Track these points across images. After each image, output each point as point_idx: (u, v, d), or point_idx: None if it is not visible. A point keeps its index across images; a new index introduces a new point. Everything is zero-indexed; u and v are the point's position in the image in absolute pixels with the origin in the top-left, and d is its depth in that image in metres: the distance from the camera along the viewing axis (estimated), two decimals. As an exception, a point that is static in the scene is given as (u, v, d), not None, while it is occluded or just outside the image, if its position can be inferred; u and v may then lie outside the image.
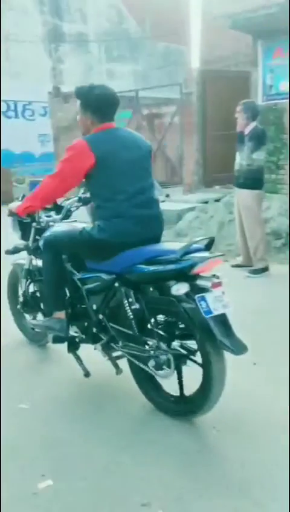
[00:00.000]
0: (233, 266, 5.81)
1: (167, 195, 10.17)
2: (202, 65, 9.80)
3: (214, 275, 2.60)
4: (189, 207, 8.21)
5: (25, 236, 3.61)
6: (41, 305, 3.59)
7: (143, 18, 20.45)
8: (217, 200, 8.16)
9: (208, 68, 9.67)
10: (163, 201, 9.54)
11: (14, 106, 18.91)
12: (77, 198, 3.47)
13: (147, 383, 2.91)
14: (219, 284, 2.54)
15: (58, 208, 3.51)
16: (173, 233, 7.42)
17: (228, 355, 2.55)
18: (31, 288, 3.71)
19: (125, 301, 2.78)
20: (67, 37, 19.77)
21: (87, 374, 3.13)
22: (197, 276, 2.56)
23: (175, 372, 2.71)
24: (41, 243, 3.18)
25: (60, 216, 3.45)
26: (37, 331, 3.70)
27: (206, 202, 8.34)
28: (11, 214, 3.45)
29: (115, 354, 3.02)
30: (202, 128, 9.89)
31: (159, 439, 2.65)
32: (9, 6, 18.17)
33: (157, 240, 2.88)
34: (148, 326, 2.77)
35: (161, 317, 2.79)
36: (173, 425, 2.75)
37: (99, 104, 2.84)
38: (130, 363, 2.92)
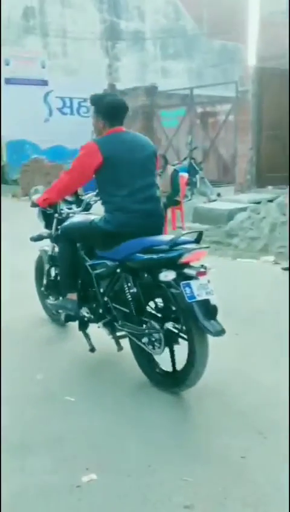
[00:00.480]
0: (283, 269, 5.69)
1: (219, 194, 10.08)
2: (258, 62, 9.63)
3: (202, 265, 2.89)
4: (240, 207, 8.10)
5: (48, 225, 3.99)
6: None
7: (200, 15, 20.31)
8: (270, 201, 8.01)
9: (265, 66, 9.49)
10: (214, 200, 9.48)
11: (70, 103, 19.27)
12: (95, 193, 3.71)
13: (144, 359, 3.22)
14: (203, 273, 2.84)
15: (79, 201, 3.91)
16: (223, 234, 7.34)
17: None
18: (53, 273, 4.09)
19: (126, 285, 3.14)
20: (124, 35, 19.92)
21: (92, 350, 3.49)
22: (186, 265, 2.86)
23: (167, 349, 3.03)
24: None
25: (80, 209, 3.84)
26: (58, 311, 4.03)
27: (258, 203, 8.20)
28: (34, 204, 3.79)
29: (118, 333, 3.34)
30: (257, 127, 9.73)
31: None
32: (67, 4, 18.50)
33: (157, 232, 3.19)
34: (145, 308, 3.12)
35: (158, 301, 3.13)
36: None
37: (109, 110, 3.23)
38: (131, 342, 3.25)
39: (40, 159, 14.42)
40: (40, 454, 2.57)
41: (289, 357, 3.42)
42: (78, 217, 3.61)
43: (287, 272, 5.57)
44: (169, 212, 8.11)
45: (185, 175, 8.95)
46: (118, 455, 2.54)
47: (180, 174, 8.39)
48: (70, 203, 3.95)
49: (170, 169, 8.18)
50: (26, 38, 17.94)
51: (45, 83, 18.46)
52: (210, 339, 2.86)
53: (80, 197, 3.94)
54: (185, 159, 10.78)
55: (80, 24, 18.74)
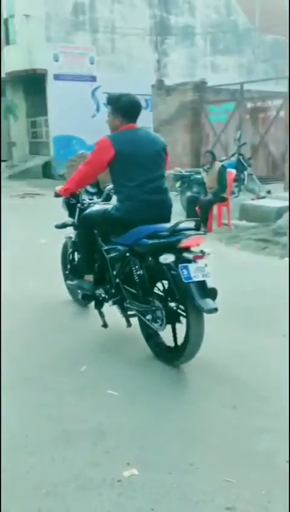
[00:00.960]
0: None
1: (269, 192, 9.87)
2: (312, 57, 9.33)
3: (201, 251, 3.15)
4: (290, 205, 7.88)
5: (71, 214, 4.33)
6: None
7: (253, 9, 19.91)
8: None
9: None
10: (263, 197, 9.27)
11: (118, 98, 19.32)
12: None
13: (149, 335, 3.57)
14: (201, 257, 3.12)
15: (100, 192, 4.24)
16: (270, 232, 7.16)
17: None
18: (76, 257, 4.43)
19: (134, 268, 3.45)
20: (173, 30, 19.79)
21: (105, 325, 3.85)
22: (185, 250, 3.13)
23: (169, 326, 3.34)
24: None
25: (100, 199, 4.15)
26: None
27: (308, 200, 7.95)
28: (57, 195, 4.11)
29: (129, 312, 3.66)
30: (309, 123, 9.44)
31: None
32: (117, -1, 18.54)
33: (165, 220, 3.45)
34: (151, 288, 3.45)
35: (163, 282, 3.40)
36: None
37: (126, 109, 3.52)
38: (139, 320, 3.57)
39: (86, 154, 14.45)
40: (82, 445, 2.56)
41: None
42: (96, 207, 3.91)
43: None
44: (215, 208, 8.00)
45: (233, 171, 8.80)
46: (159, 451, 2.50)
47: (228, 170, 8.25)
48: (92, 194, 4.28)
49: (217, 165, 8.06)
50: (75, 35, 18.08)
51: (93, 78, 18.57)
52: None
53: (101, 188, 4.26)
54: (233, 155, 10.60)
55: (129, 20, 18.74)
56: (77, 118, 17.59)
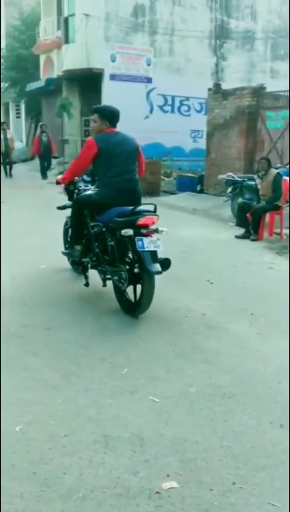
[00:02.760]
0: None
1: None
2: None
3: (156, 229, 4.12)
4: None
5: (70, 198, 5.27)
6: None
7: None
8: None
9: None
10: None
11: (172, 101, 19.25)
12: None
13: (118, 293, 4.46)
14: (153, 233, 4.08)
15: (93, 181, 4.99)
16: None
17: None
18: (70, 232, 5.25)
19: (108, 240, 4.39)
20: (233, 34, 19.56)
21: (87, 284, 4.87)
22: (144, 227, 4.07)
23: (131, 286, 4.26)
24: None
25: (93, 186, 4.90)
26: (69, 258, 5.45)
27: None
28: (57, 182, 5.17)
29: (108, 276, 4.54)
30: None
31: None
32: (178, 2, 18.47)
33: (135, 204, 4.27)
34: (120, 256, 4.32)
35: (130, 253, 4.27)
36: None
37: (110, 116, 4.54)
38: (113, 282, 4.46)
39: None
40: (121, 452, 2.47)
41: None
42: (86, 192, 4.79)
43: None
44: (267, 216, 7.78)
45: (288, 179, 8.54)
46: (200, 466, 2.39)
47: (284, 178, 8.01)
48: (87, 182, 5.16)
49: (273, 172, 7.85)
50: (133, 36, 18.14)
51: (148, 80, 18.57)
52: None
53: (95, 177, 4.94)
54: (289, 162, 10.30)
55: (189, 22, 18.64)
56: (129, 119, 17.36)
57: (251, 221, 7.68)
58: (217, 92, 13.01)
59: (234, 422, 2.76)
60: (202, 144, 15.83)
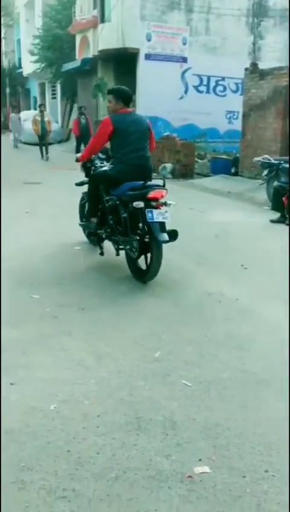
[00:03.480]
0: None
1: None
2: None
3: (165, 202, 4.48)
4: None
5: (87, 175, 5.62)
6: None
7: None
8: None
9: None
10: None
11: (207, 81, 18.91)
12: None
13: (130, 261, 4.88)
14: (161, 205, 4.44)
15: (109, 158, 5.29)
16: None
17: None
18: (86, 206, 5.69)
19: (121, 212, 4.74)
20: (271, 12, 18.97)
21: (102, 253, 5.28)
22: (154, 200, 4.42)
23: (142, 255, 4.67)
24: None
25: (108, 163, 5.20)
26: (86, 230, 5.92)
27: None
28: (77, 160, 5.62)
29: (120, 246, 4.93)
30: None
31: None
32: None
33: (146, 179, 4.63)
34: (132, 227, 4.67)
35: (140, 224, 4.65)
36: None
37: (124, 97, 4.89)
38: (125, 251, 4.89)
39: (171, 137, 14.35)
40: (153, 434, 2.49)
41: None
42: (102, 168, 5.18)
43: None
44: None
45: None
46: (233, 452, 2.39)
47: None
48: (103, 159, 5.49)
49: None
50: (169, 14, 17.81)
51: (184, 60, 18.27)
52: None
53: (110, 155, 5.26)
54: None
55: (225, 0, 18.17)
56: (164, 99, 17.43)
57: (286, 205, 7.53)
58: (254, 71, 12.70)
59: (267, 409, 2.75)
60: (237, 125, 15.54)
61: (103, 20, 18.36)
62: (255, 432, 2.53)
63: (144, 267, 4.72)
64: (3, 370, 3.01)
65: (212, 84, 19.00)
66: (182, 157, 13.51)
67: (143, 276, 4.67)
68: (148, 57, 17.69)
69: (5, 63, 35.78)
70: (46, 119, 16.95)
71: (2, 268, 4.90)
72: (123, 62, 17.98)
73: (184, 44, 18.21)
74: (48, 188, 10.42)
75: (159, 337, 3.60)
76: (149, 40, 17.62)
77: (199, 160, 15.26)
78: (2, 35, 31.83)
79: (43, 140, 16.89)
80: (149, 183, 4.57)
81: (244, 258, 5.60)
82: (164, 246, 4.50)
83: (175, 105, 17.92)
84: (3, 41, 33.89)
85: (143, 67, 17.61)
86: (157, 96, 17.22)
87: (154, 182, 4.63)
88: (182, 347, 3.46)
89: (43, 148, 16.84)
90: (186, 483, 2.17)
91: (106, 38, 17.79)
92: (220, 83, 19.01)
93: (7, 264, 5.06)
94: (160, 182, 4.63)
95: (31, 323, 3.75)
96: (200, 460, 2.31)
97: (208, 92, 19.01)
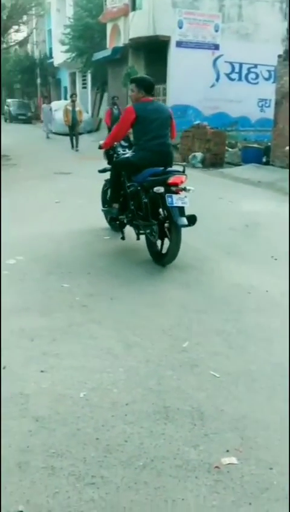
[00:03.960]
0: None
1: None
2: None
3: (184, 188, 4.58)
4: None
5: (110, 162, 5.74)
6: None
7: None
8: None
9: None
10: None
11: (239, 68, 18.61)
12: None
13: (150, 244, 5.02)
14: (180, 190, 4.56)
15: (131, 145, 5.48)
16: None
17: None
18: (108, 192, 5.80)
19: (142, 198, 4.87)
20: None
21: (123, 238, 5.48)
22: (174, 185, 4.54)
23: (161, 239, 4.84)
24: None
25: (130, 151, 5.34)
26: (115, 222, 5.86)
27: None
28: (100, 147, 5.65)
29: (141, 231, 5.09)
30: None
31: None
32: None
33: (167, 165, 4.79)
34: (152, 212, 4.77)
35: (160, 209, 4.72)
36: None
37: (147, 86, 5.03)
38: (145, 236, 5.04)
39: (202, 125, 14.20)
40: (181, 424, 2.51)
41: None
42: (125, 156, 5.30)
43: None
44: None
45: None
46: (260, 444, 2.38)
47: None
48: (124, 147, 5.61)
49: None
50: (201, 1, 17.54)
51: (216, 47, 18.00)
52: None
53: (131, 142, 5.45)
54: None
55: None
56: (195, 87, 17.26)
57: None
58: (288, 58, 12.42)
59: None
60: (269, 113, 15.27)
61: (134, 8, 18.24)
62: (283, 425, 2.52)
63: (163, 251, 4.86)
64: (33, 358, 3.08)
65: (244, 71, 18.70)
66: (212, 146, 13.37)
67: (162, 259, 4.82)
68: (179, 44, 17.51)
69: (36, 53, 36.01)
70: (77, 109, 16.97)
71: (35, 257, 5.01)
72: (154, 50, 17.84)
73: (216, 31, 17.93)
74: (78, 178, 10.48)
75: (188, 327, 3.61)
76: (181, 27, 17.42)
77: (230, 149, 15.08)
78: (34, 26, 31.91)
79: (73, 130, 16.94)
80: (169, 169, 4.72)
81: (274, 249, 5.54)
82: (193, 237, 4.49)
83: (206, 93, 17.72)
84: (34, 31, 34.01)
85: (174, 55, 17.43)
86: (188, 84, 17.05)
87: (174, 167, 4.77)
88: (211, 338, 3.46)
89: (74, 138, 16.90)
90: (214, 474, 2.18)
91: (137, 27, 17.68)
92: (253, 70, 18.69)
93: (38, 254, 5.15)
94: (180, 168, 4.76)
95: (61, 312, 3.80)
96: (227, 451, 2.32)
97: (240, 79, 18.72)
